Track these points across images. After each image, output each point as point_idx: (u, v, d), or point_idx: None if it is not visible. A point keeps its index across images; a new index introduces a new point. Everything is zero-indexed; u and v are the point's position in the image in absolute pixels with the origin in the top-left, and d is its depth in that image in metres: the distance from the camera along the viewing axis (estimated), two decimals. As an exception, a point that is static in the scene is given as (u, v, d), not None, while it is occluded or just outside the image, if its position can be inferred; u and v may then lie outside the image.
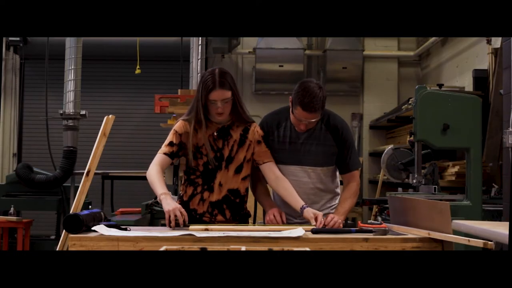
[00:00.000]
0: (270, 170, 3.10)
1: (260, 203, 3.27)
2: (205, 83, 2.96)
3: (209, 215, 3.06)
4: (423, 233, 2.48)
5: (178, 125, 3.09)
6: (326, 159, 3.17)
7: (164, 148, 3.07)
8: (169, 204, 2.81)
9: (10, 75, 8.96)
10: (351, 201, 3.17)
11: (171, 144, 3.06)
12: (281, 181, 3.08)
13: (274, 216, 3.05)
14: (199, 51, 7.25)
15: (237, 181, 3.07)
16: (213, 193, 3.05)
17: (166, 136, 3.12)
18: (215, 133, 3.05)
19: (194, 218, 3.04)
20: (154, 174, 2.98)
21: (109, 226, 2.55)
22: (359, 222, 2.90)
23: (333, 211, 3.20)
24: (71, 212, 3.59)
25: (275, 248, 2.27)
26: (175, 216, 2.75)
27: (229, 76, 3.00)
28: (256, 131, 3.12)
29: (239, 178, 3.08)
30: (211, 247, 2.29)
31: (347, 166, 3.22)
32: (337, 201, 3.26)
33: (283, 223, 3.03)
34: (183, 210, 2.80)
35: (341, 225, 2.91)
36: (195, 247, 2.29)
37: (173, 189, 6.04)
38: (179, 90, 6.81)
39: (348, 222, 3.29)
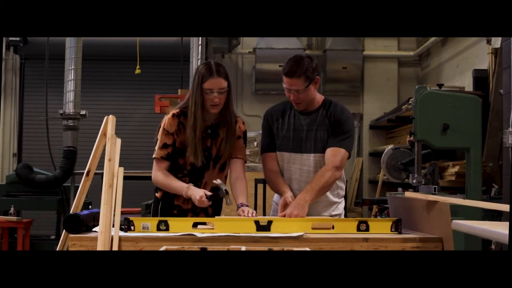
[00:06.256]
0: (236, 167, 3.03)
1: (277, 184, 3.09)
2: (201, 72, 2.88)
3: (192, 213, 3.00)
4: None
5: (168, 123, 2.95)
6: (327, 145, 3.07)
7: (159, 152, 2.95)
8: (197, 192, 2.83)
9: (10, 75, 8.96)
10: (317, 181, 2.96)
11: (165, 146, 2.94)
12: (239, 181, 3.01)
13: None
14: (199, 51, 7.24)
15: (221, 178, 2.99)
16: None
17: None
18: (204, 132, 2.96)
19: (177, 214, 2.98)
20: (162, 178, 2.93)
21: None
22: None
23: (338, 210, 3.19)
24: (71, 212, 3.58)
25: (275, 248, 2.27)
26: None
27: (224, 68, 2.94)
28: (239, 126, 3.06)
29: (223, 175, 3.04)
30: (211, 247, 2.29)
31: (334, 141, 3.03)
32: (342, 193, 3.21)
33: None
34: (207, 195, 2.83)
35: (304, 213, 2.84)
36: (195, 247, 2.29)
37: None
38: (179, 90, 6.82)
39: None
